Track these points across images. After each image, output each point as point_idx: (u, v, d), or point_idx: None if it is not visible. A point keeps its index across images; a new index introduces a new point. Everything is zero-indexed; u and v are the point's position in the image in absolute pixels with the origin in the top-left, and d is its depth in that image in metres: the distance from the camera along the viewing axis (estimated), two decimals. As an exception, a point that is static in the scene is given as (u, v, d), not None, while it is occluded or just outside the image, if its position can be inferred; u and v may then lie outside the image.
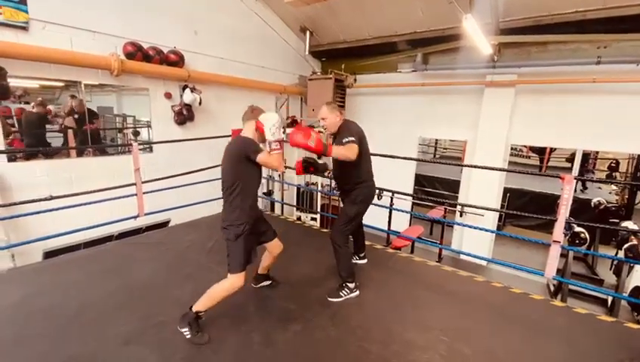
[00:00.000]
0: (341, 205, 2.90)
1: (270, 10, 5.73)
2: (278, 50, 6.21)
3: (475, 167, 3.73)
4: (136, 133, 4.58)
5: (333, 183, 6.42)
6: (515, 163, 11.36)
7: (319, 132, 2.86)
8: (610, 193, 7.24)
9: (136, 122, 4.55)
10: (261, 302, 2.48)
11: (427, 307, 2.53)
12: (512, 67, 5.00)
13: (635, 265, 3.97)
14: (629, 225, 4.08)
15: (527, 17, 4.49)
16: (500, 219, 7.86)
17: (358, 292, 2.56)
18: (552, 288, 4.80)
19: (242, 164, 2.00)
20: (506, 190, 7.86)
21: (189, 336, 1.98)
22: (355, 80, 6.65)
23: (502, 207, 7.26)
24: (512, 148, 11.85)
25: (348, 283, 2.53)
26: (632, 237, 3.79)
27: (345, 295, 2.51)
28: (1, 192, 3.20)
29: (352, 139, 2.37)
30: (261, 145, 2.06)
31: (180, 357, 1.89)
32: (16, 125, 3.39)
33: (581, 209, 6.54)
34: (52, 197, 2.86)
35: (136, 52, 3.95)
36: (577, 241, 3.93)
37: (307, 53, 6.44)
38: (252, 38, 5.64)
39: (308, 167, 2.63)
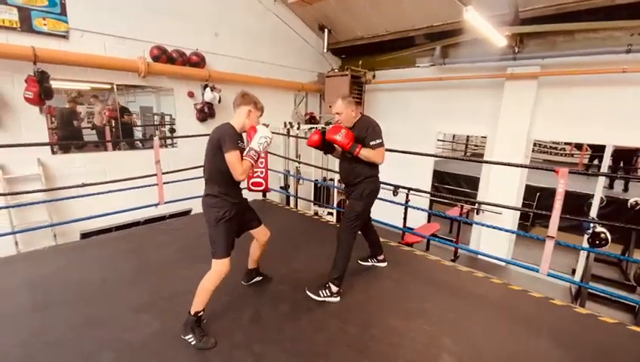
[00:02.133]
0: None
1: (288, 9, 5.92)
2: (296, 48, 6.41)
3: (483, 162, 3.66)
4: (172, 130, 4.98)
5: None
6: (552, 161, 10.68)
7: (323, 128, 3.00)
8: (655, 193, 6.61)
9: (171, 120, 4.95)
10: (256, 286, 2.67)
11: (428, 302, 2.49)
12: (535, 58, 4.77)
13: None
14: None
15: (549, 5, 4.27)
16: (527, 220, 7.50)
17: (338, 298, 2.43)
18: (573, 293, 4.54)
19: (221, 152, 1.94)
20: (537, 189, 7.49)
21: (193, 343, 1.93)
22: (374, 76, 6.68)
23: (530, 206, 6.94)
24: (550, 146, 11.17)
25: (332, 285, 2.43)
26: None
27: (323, 296, 2.41)
28: (47, 181, 3.69)
29: (381, 142, 2.38)
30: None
31: (178, 324, 2.13)
32: (56, 122, 3.89)
33: (620, 210, 6.07)
34: (84, 185, 3.27)
35: (162, 55, 4.33)
36: (597, 242, 3.70)
37: (325, 50, 6.57)
38: (271, 37, 5.88)
39: (325, 141, 2.57)
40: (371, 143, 2.35)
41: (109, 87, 4.15)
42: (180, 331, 2.00)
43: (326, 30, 6.33)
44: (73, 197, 3.54)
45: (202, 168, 2.12)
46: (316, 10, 5.83)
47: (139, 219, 4.27)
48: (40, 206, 3.62)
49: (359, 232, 2.71)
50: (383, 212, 4.98)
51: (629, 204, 5.55)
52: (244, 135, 2.16)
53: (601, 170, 4.98)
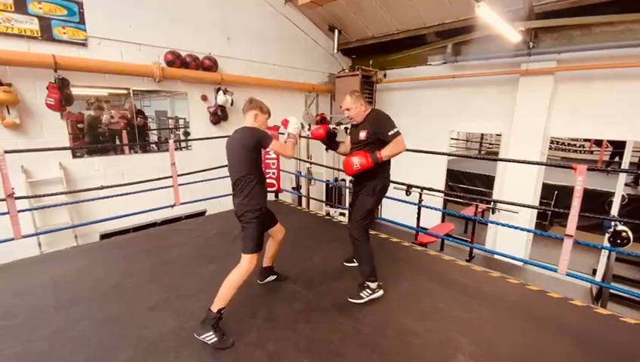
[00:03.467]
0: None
1: (298, 11, 5.96)
2: (307, 49, 6.44)
3: (498, 160, 3.58)
4: (186, 134, 5.09)
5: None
6: (571, 159, 10.37)
7: (334, 128, 2.98)
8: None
9: (185, 123, 5.04)
10: (270, 286, 2.70)
11: (442, 302, 2.46)
12: (551, 53, 4.66)
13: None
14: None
15: (564, -1, 4.17)
16: (545, 219, 7.31)
17: (381, 292, 2.42)
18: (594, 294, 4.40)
19: (255, 152, 2.12)
20: (555, 187, 7.29)
21: (213, 341, 1.94)
22: (385, 75, 6.65)
23: (547, 205, 6.76)
24: (569, 143, 10.85)
25: (369, 283, 2.40)
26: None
27: (366, 296, 2.38)
28: (67, 183, 3.83)
29: (397, 130, 2.30)
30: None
31: (193, 324, 2.17)
32: (84, 127, 4.03)
33: (644, 207, 5.86)
34: (103, 187, 3.39)
35: (175, 60, 4.43)
36: (619, 241, 3.57)
37: (336, 51, 6.58)
38: (282, 39, 5.93)
39: (329, 135, 2.69)
40: (389, 134, 2.29)
41: (125, 92, 4.27)
42: (196, 329, 2.02)
43: (336, 30, 6.34)
44: (93, 200, 3.67)
45: (229, 174, 2.25)
46: (326, 10, 5.86)
47: (156, 220, 4.37)
48: (61, 208, 3.76)
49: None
50: (396, 212, 4.97)
51: (653, 202, 5.35)
52: None
53: (622, 167, 4.80)
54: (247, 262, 2.09)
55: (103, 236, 3.97)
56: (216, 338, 1.95)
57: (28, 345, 1.96)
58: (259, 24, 5.55)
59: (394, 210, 5.79)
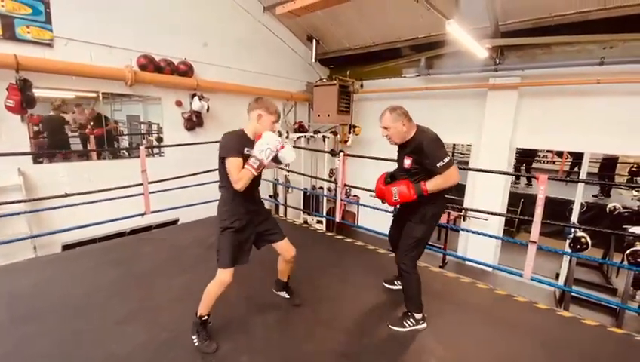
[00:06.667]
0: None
1: (277, 20, 6.00)
2: (285, 58, 6.48)
3: (467, 169, 3.74)
4: (159, 140, 4.92)
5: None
6: (535, 168, 10.98)
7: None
8: (632, 199, 6.89)
9: (158, 129, 4.89)
10: (246, 295, 2.64)
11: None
12: (515, 70, 4.96)
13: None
14: (637, 230, 3.91)
15: (527, 20, 4.47)
16: (513, 225, 7.67)
17: (425, 324, 2.23)
18: (557, 297, 4.65)
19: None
20: (521, 196, 7.69)
21: (196, 344, 1.97)
22: (362, 85, 6.80)
23: (515, 212, 7.10)
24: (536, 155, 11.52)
25: (415, 313, 2.22)
26: (638, 242, 3.64)
27: (410, 325, 2.20)
28: (27, 191, 3.59)
29: (448, 160, 1.96)
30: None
31: (165, 336, 2.09)
32: (44, 131, 3.81)
33: (601, 215, 6.28)
34: (67, 195, 3.20)
35: (149, 64, 4.31)
36: (578, 246, 3.81)
37: (314, 60, 6.66)
38: (260, 47, 5.93)
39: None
40: (438, 166, 1.95)
41: (94, 95, 4.10)
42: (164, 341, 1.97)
43: (314, 40, 6.43)
44: (55, 208, 3.45)
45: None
46: (305, 21, 5.93)
47: (124, 229, 4.18)
48: (19, 217, 3.50)
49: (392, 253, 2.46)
50: (373, 220, 5.03)
51: (607, 209, 5.76)
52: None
53: (580, 177, 5.15)
54: (221, 276, 1.98)
55: (66, 247, 3.75)
56: (197, 342, 1.97)
57: (-23, 366, 1.80)
58: (237, 31, 5.53)
59: (371, 217, 5.88)
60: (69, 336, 2.07)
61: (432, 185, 1.99)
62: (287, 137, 5.84)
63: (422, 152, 2.03)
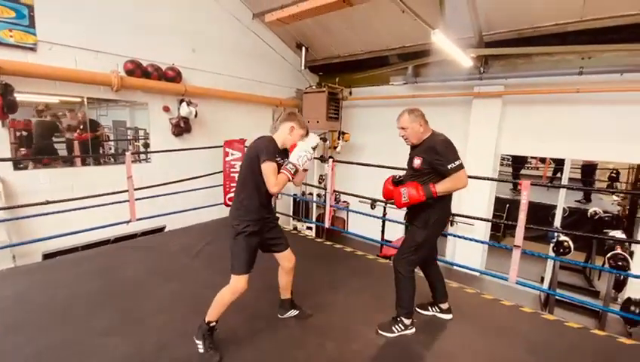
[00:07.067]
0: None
1: (266, 27, 6.03)
2: (275, 65, 6.50)
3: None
4: (146, 145, 4.84)
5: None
6: (519, 174, 11.24)
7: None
8: (612, 204, 7.11)
9: (145, 134, 4.81)
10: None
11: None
12: (499, 78, 5.10)
13: (626, 276, 3.93)
14: (617, 234, 4.04)
15: (510, 30, 4.62)
16: (499, 230, 7.80)
17: (414, 329, 2.22)
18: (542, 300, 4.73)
19: (256, 163, 1.93)
20: (506, 201, 7.84)
21: (201, 351, 1.94)
22: (351, 93, 6.87)
23: (500, 218, 7.24)
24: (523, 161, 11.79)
25: (404, 318, 2.19)
26: (618, 246, 3.76)
27: (398, 331, 2.19)
28: (7, 198, 3.47)
29: (459, 163, 1.98)
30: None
31: (149, 348, 2.04)
32: (24, 136, 3.71)
33: (582, 220, 6.46)
34: (48, 202, 3.11)
35: (136, 69, 4.26)
36: (561, 250, 3.92)
37: (303, 68, 6.70)
38: (249, 54, 5.94)
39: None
40: (448, 167, 1.97)
41: (79, 100, 4.02)
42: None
43: (303, 48, 6.48)
44: (36, 216, 3.34)
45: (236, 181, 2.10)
46: (294, 28, 5.98)
47: (108, 237, 4.07)
48: (-2, 225, 3.39)
49: (420, 272, 2.39)
50: (362, 225, 5.05)
51: (589, 214, 5.93)
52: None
53: (562, 182, 5.30)
54: (234, 282, 1.96)
55: (47, 256, 3.63)
56: (202, 350, 1.94)
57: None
58: (226, 37, 5.53)
59: (360, 223, 5.89)
60: (47, 349, 1.99)
61: (441, 187, 1.99)
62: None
63: (434, 152, 2.04)
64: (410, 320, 2.20)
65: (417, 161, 2.13)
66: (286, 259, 2.24)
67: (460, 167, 1.98)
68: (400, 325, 2.18)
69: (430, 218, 2.11)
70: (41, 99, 3.77)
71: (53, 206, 3.34)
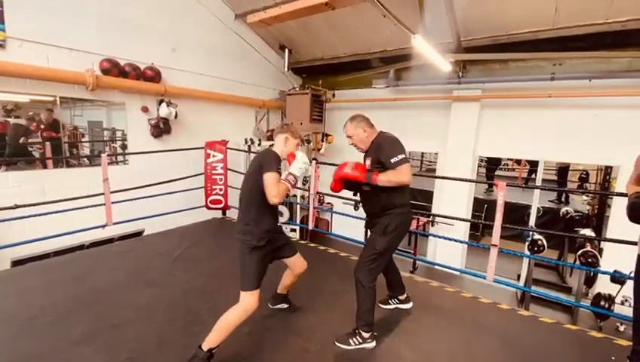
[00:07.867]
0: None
1: (249, 28, 5.99)
2: (258, 66, 6.46)
3: (430, 176, 3.89)
4: (124, 147, 4.68)
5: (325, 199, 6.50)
6: (497, 175, 11.63)
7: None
8: (582, 203, 7.46)
9: (122, 135, 4.65)
10: (212, 305, 2.55)
11: (388, 314, 2.56)
12: (477, 82, 5.26)
13: (596, 273, 4.13)
14: (587, 232, 4.24)
15: (486, 37, 4.78)
16: (478, 230, 8.03)
17: (374, 343, 2.12)
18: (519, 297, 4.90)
19: (261, 176, 1.90)
20: (484, 201, 8.09)
21: None
22: (334, 95, 6.91)
23: (479, 217, 7.46)
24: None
25: (362, 332, 2.10)
26: (588, 244, 3.95)
27: (355, 344, 2.10)
28: (-29, 202, 3.28)
29: (403, 157, 2.01)
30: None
31: (124, 357, 1.97)
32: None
33: (555, 219, 6.74)
34: (17, 206, 2.95)
35: (113, 68, 4.13)
36: (536, 249, 4.08)
37: (287, 69, 6.69)
38: (232, 55, 5.88)
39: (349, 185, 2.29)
40: (391, 161, 2.00)
41: (51, 99, 3.85)
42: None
43: (287, 50, 6.47)
44: (4, 221, 3.17)
45: (239, 194, 2.07)
46: (277, 30, 5.97)
47: (83, 242, 3.92)
48: (-39, 231, 3.20)
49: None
50: (347, 226, 5.07)
51: (561, 213, 6.20)
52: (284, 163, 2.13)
53: (536, 183, 5.51)
54: (245, 301, 1.88)
55: (16, 263, 3.45)
56: None
57: None
58: (207, 37, 5.45)
59: (344, 224, 5.92)
60: (15, 359, 1.90)
61: (383, 176, 2.02)
62: (259, 145, 5.79)
63: (380, 149, 2.10)
64: (370, 333, 2.12)
65: (367, 162, 2.20)
66: (298, 265, 2.27)
67: (404, 161, 2.01)
68: (358, 338, 2.11)
69: (389, 225, 2.11)
70: (10, 98, 3.59)
71: (23, 210, 3.18)
